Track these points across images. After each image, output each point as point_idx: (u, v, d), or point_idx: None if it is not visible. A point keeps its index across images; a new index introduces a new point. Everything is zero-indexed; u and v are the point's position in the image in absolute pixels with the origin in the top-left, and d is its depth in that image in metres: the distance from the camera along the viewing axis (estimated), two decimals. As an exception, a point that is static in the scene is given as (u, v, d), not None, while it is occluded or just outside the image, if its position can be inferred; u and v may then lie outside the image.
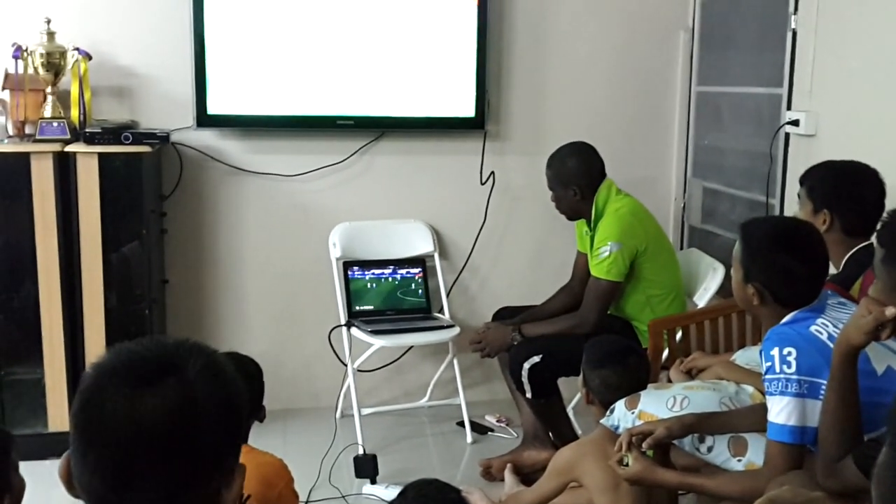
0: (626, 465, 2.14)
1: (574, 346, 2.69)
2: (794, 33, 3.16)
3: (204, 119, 3.50)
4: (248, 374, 2.21)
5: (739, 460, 2.15)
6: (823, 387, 1.79)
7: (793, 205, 2.81)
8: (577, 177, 3.17)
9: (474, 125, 3.73)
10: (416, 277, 3.71)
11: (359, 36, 3.59)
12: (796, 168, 2.98)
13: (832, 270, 2.35)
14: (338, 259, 3.64)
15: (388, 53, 3.62)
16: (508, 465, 3.12)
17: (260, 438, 2.22)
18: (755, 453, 2.10)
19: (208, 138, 3.59)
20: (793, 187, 2.85)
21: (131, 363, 1.05)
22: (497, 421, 3.70)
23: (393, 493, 2.99)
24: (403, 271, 3.70)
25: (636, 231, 3.11)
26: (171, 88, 3.51)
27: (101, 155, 3.15)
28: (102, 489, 1.02)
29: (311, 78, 3.58)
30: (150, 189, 3.33)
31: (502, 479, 3.10)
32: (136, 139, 3.23)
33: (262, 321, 3.76)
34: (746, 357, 2.55)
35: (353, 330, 3.48)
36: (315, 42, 3.56)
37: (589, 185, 3.17)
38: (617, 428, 2.34)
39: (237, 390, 1.11)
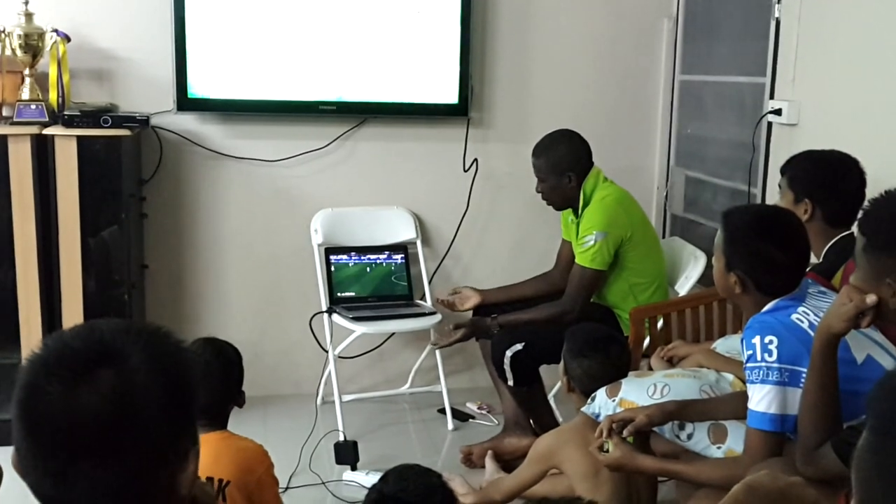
0: (607, 451, 2.15)
1: (556, 335, 2.70)
2: (778, 22, 3.16)
3: (184, 103, 3.47)
4: (227, 360, 2.20)
5: (719, 447, 2.16)
6: (804, 375, 1.80)
7: (774, 194, 2.81)
8: (570, 164, 3.16)
9: (458, 112, 3.71)
10: (399, 264, 3.70)
11: (342, 20, 3.56)
12: (778, 157, 2.99)
13: (813, 260, 2.36)
14: (319, 245, 3.61)
15: (372, 38, 3.59)
16: (489, 452, 3.12)
17: (240, 425, 2.21)
18: (735, 441, 2.11)
19: (189, 122, 3.56)
20: (775, 177, 2.86)
21: (64, 355, 1.00)
22: (478, 408, 3.70)
23: (374, 479, 2.95)
24: (385, 258, 3.68)
25: (621, 220, 3.11)
26: (151, 71, 3.47)
27: (79, 138, 3.11)
28: (47, 487, 0.98)
29: (294, 62, 3.55)
30: (130, 173, 3.30)
31: (483, 466, 3.10)
32: (116, 122, 3.19)
33: (243, 307, 3.74)
34: (727, 345, 2.56)
35: (335, 316, 3.46)
36: (298, 26, 3.52)
37: (582, 172, 3.16)
38: (598, 416, 2.35)
39: (186, 371, 1.06)
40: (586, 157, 3.20)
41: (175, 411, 1.03)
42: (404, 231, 3.75)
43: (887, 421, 0.76)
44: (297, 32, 3.53)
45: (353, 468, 3.08)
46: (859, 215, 1.68)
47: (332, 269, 3.59)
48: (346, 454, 3.11)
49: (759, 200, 3.25)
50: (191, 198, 3.63)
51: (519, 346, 3.02)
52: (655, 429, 2.21)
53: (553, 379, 3.26)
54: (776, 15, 3.17)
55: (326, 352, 3.52)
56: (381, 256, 3.68)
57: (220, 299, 3.72)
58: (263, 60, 3.52)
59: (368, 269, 3.65)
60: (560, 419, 3.21)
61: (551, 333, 2.85)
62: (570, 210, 3.26)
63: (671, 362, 2.66)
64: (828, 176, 2.49)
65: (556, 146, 3.20)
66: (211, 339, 2.24)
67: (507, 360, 3.02)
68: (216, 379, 2.12)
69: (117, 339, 1.02)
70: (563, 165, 3.16)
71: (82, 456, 0.97)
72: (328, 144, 3.69)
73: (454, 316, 3.49)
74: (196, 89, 3.47)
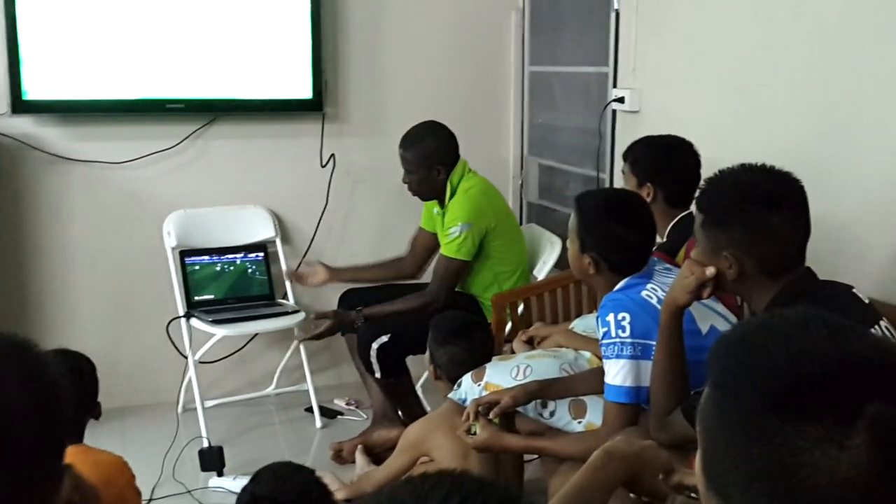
0: (475, 434, 2.19)
1: (421, 325, 2.73)
2: (617, 14, 3.29)
3: (19, 105, 3.29)
4: (80, 371, 2.11)
5: (580, 422, 2.23)
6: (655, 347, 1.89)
7: (621, 179, 2.93)
8: (441, 157, 3.17)
9: (312, 107, 3.67)
10: (258, 263, 3.63)
11: (188, 14, 3.45)
12: (624, 143, 3.10)
13: (658, 240, 2.48)
14: (173, 248, 3.50)
15: (220, 33, 3.51)
16: (359, 447, 3.12)
17: (98, 438, 2.13)
18: (594, 414, 2.19)
19: (25, 125, 3.37)
20: (621, 162, 2.97)
21: None
22: (346, 404, 3.69)
23: (242, 484, 2.94)
24: (244, 258, 3.61)
25: (486, 211, 3.16)
26: (-20, 72, 3.27)
27: None
28: None
29: (137, 59, 3.42)
30: (-38, 180, 3.10)
31: (354, 462, 3.10)
32: (-57, 127, 3.00)
33: (92, 317, 3.58)
34: (584, 324, 2.66)
35: (193, 321, 3.37)
36: (141, 20, 3.40)
37: (451, 164, 3.18)
38: (464, 401, 2.39)
39: (55, 387, 0.99)
40: (455, 149, 3.22)
41: (46, 431, 0.97)
42: (263, 230, 3.69)
43: (726, 376, 0.82)
44: (140, 28, 3.40)
45: (220, 474, 3.02)
46: (696, 194, 1.77)
47: (188, 271, 3.49)
48: (211, 460, 3.04)
49: (607, 185, 3.38)
50: (31, 205, 3.44)
51: (385, 338, 3.03)
52: (520, 408, 2.27)
53: (420, 369, 3.29)
54: (615, 6, 3.30)
55: (186, 357, 3.42)
56: (240, 257, 3.60)
57: (68, 310, 3.55)
58: (104, 58, 3.37)
59: (226, 269, 3.57)
60: (428, 408, 3.25)
61: (416, 324, 2.88)
62: (434, 201, 3.29)
63: (532, 344, 2.73)
64: (666, 160, 2.63)
65: (425, 139, 3.19)
66: (62, 351, 2.14)
67: (373, 353, 3.03)
68: (70, 392, 2.02)
69: None
70: (434, 158, 3.17)
71: None
72: (177, 144, 3.58)
73: (317, 310, 3.45)
74: (31, 90, 3.29)
